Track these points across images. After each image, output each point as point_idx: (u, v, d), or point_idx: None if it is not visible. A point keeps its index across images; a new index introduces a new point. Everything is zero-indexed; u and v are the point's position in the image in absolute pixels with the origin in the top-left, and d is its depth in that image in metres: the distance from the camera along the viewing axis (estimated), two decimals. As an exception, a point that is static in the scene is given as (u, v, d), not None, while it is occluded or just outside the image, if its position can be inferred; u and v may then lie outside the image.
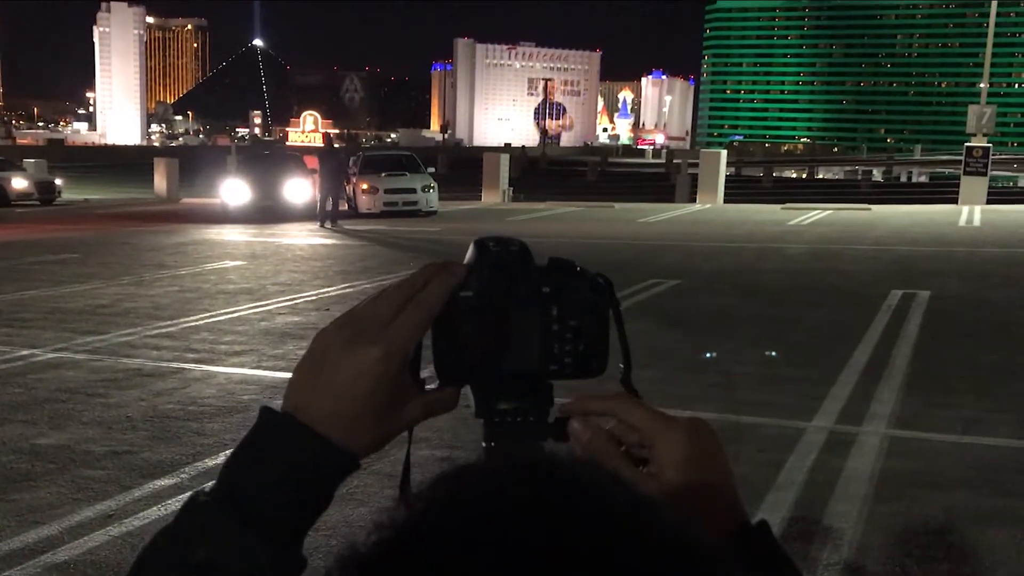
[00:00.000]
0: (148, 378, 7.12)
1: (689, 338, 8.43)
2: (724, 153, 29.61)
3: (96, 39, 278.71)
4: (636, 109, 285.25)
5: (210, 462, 5.22)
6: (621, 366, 0.74)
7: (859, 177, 53.23)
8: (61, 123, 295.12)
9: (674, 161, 49.03)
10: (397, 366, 0.65)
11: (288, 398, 0.66)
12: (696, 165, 29.40)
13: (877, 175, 55.39)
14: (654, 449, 0.68)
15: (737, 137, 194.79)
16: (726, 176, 28.18)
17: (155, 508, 4.57)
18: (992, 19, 27.38)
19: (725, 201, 27.03)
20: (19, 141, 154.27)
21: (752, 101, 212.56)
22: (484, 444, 0.72)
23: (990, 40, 27.25)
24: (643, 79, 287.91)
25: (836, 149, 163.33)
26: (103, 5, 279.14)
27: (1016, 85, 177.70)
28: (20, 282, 11.92)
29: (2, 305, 10.23)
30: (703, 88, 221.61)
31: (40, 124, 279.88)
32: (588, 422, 0.70)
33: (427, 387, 0.70)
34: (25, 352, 7.90)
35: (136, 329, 8.91)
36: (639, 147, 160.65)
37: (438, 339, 0.69)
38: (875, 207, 24.27)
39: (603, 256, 14.92)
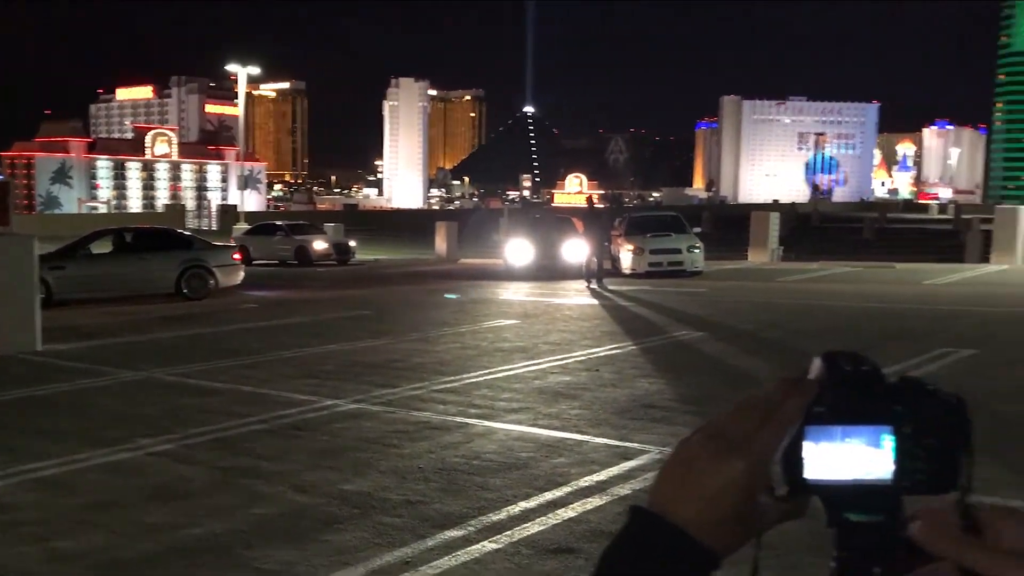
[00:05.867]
0: (435, 431, 7.61)
1: (992, 415, 7.73)
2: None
3: (385, 112, 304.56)
4: (918, 162, 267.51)
5: (494, 517, 5.48)
6: (961, 489, 0.73)
7: None
8: (354, 188, 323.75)
9: (963, 217, 45.35)
10: (760, 478, 0.73)
11: (655, 500, 0.74)
12: (989, 221, 27.06)
13: None
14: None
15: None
16: (1026, 233, 25.65)
17: (447, 558, 4.87)
18: None
19: (1026, 261, 24.58)
20: (319, 207, 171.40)
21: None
22: (835, 553, 0.77)
23: None
24: (925, 130, 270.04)
25: None
26: (392, 81, 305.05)
27: None
28: (322, 336, 13.17)
29: (309, 358, 11.37)
30: (996, 137, 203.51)
31: (336, 191, 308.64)
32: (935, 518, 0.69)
33: (776, 494, 0.76)
34: (329, 402, 8.72)
35: (424, 384, 9.56)
36: (921, 202, 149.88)
37: (791, 451, 0.75)
38: None
39: (886, 321, 14.05)
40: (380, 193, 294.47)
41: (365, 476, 6.38)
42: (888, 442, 0.75)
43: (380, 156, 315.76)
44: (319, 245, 30.58)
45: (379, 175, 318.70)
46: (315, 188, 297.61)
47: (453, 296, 11.77)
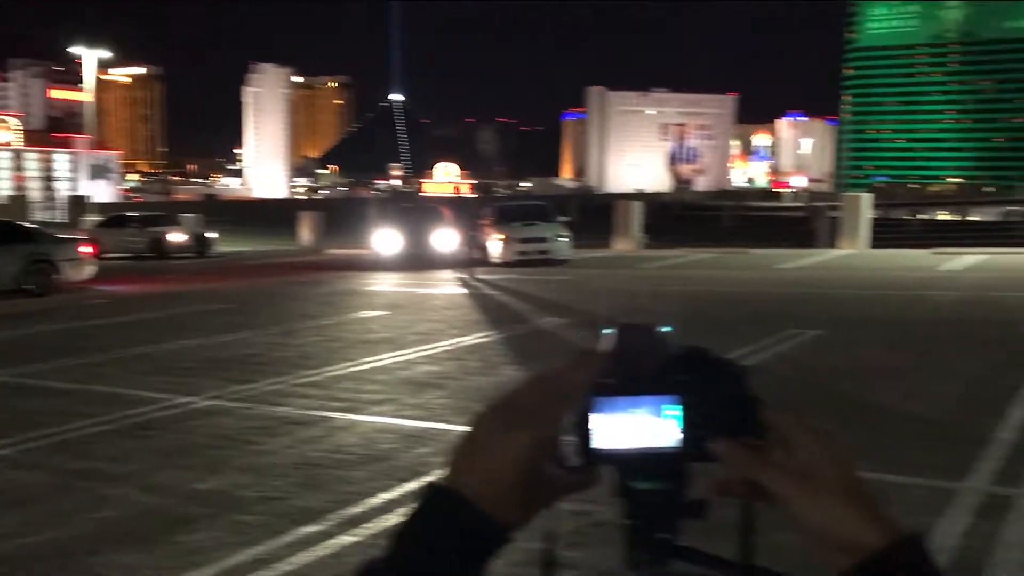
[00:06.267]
0: (296, 426, 7.43)
1: (831, 391, 8.17)
2: (868, 195, 28.61)
3: (246, 99, 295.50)
4: (773, 152, 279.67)
5: (354, 510, 5.40)
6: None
7: (1016, 218, 50.34)
8: (213, 178, 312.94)
9: (814, 205, 47.75)
10: (543, 451, 0.73)
11: (449, 475, 0.73)
12: (838, 208, 28.57)
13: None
14: (797, 456, 0.73)
15: (881, 178, 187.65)
16: (871, 219, 27.23)
17: (303, 554, 4.76)
18: None
19: (870, 246, 26.07)
20: (177, 197, 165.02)
21: (896, 141, 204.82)
22: (622, 522, 0.78)
23: None
24: (779, 121, 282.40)
25: (994, 189, 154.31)
26: (254, 67, 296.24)
27: None
28: (178, 331, 12.68)
29: (162, 354, 10.92)
30: (844, 128, 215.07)
31: (196, 181, 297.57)
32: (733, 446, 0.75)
33: (568, 465, 0.76)
34: (184, 400, 8.40)
35: (284, 378, 9.33)
36: (776, 190, 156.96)
37: (579, 423, 0.76)
38: (1033, 250, 22.92)
39: (740, 304, 14.64)
40: (242, 183, 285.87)
41: (220, 474, 6.17)
42: (673, 411, 0.76)
43: (241, 145, 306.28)
44: (176, 237, 29.45)
45: (240, 164, 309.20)
46: (173, 178, 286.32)
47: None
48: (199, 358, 10.62)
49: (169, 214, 34.45)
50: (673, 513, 0.77)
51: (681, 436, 0.76)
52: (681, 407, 0.76)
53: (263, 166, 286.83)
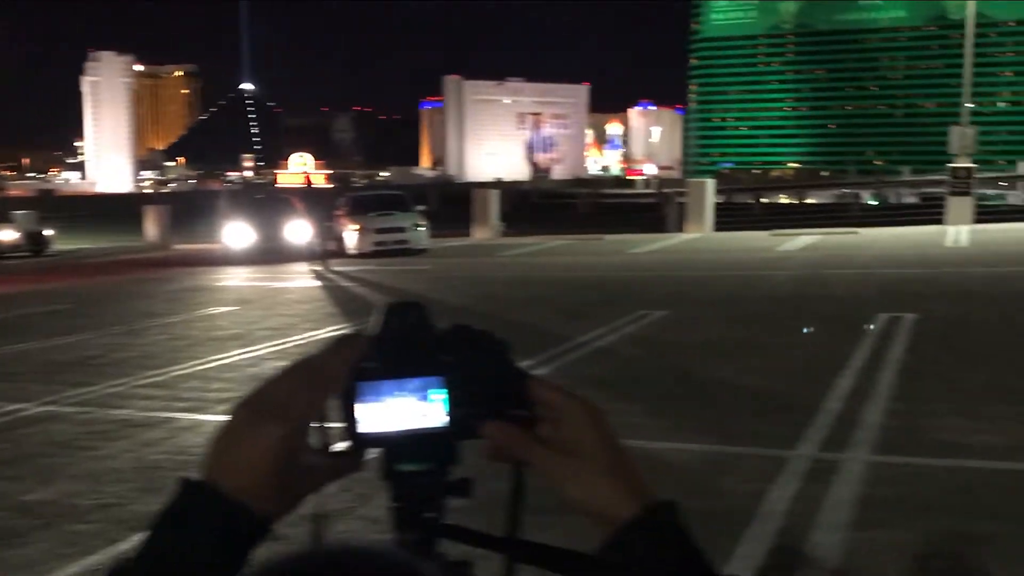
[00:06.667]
0: (137, 429, 7.12)
1: (676, 368, 8.48)
2: (711, 181, 29.77)
3: (84, 89, 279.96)
4: (625, 140, 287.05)
5: (197, 512, 5.22)
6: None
7: (848, 200, 53.60)
8: (52, 172, 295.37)
9: (664, 191, 49.36)
10: (298, 440, 0.72)
11: (205, 469, 0.72)
12: (685, 194, 29.61)
13: (866, 198, 55.87)
14: (562, 429, 0.75)
15: (727, 165, 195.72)
16: (717, 204, 28.34)
17: (141, 561, 4.57)
18: (969, 39, 27.64)
19: (716, 229, 27.16)
20: (11, 193, 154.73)
21: (739, 128, 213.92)
22: (390, 505, 0.78)
23: (968, 60, 27.65)
24: (630, 110, 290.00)
25: (828, 173, 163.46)
26: (92, 55, 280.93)
27: (997, 104, 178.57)
28: (11, 335, 11.93)
29: (-8, 359, 10.24)
30: (691, 117, 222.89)
31: (31, 175, 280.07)
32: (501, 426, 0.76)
33: (334, 449, 0.76)
34: (13, 407, 7.90)
35: (125, 379, 8.92)
36: (629, 178, 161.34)
37: (344, 407, 0.75)
38: (863, 230, 24.43)
39: (593, 288, 14.98)
40: (83, 177, 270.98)
41: (51, 483, 5.85)
42: (438, 393, 0.76)
43: (81, 137, 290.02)
44: (6, 235, 27.65)
45: (81, 157, 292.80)
46: (5, 172, 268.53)
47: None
48: (32, 362, 10.02)
49: (-1, 211, 32.29)
50: (439, 493, 0.77)
51: (447, 417, 0.76)
52: (446, 388, 0.76)
53: (105, 159, 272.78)
